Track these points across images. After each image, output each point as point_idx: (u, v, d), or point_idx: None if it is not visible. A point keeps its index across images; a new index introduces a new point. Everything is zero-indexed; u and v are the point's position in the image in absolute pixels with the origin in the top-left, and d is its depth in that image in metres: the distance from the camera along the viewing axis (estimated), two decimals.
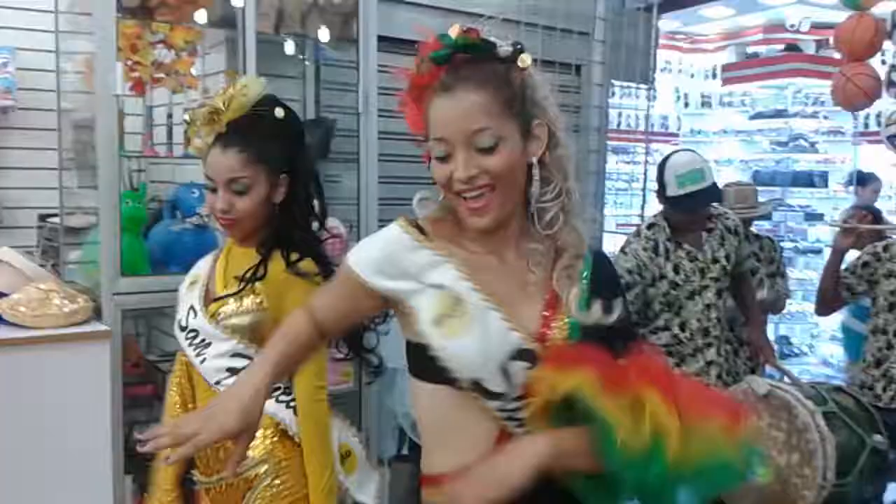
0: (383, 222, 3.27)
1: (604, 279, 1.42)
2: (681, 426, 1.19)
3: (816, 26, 7.37)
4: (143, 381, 2.99)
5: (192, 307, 1.99)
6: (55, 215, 3.09)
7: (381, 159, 3.21)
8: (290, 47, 3.26)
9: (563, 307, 1.35)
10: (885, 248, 3.20)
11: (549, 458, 1.24)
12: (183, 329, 2.01)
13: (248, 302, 1.93)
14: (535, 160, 1.35)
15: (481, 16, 3.98)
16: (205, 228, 2.89)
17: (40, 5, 3.03)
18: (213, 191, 1.93)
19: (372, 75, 3.14)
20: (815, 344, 7.14)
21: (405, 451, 3.69)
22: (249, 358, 1.91)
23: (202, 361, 1.97)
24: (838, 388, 3.25)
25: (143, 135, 2.86)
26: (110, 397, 2.60)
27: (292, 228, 1.98)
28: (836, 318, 6.46)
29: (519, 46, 1.34)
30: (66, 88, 2.97)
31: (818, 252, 7.09)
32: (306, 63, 3.46)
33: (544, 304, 1.36)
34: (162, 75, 2.91)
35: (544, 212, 1.37)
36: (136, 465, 2.69)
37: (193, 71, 2.98)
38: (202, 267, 2.09)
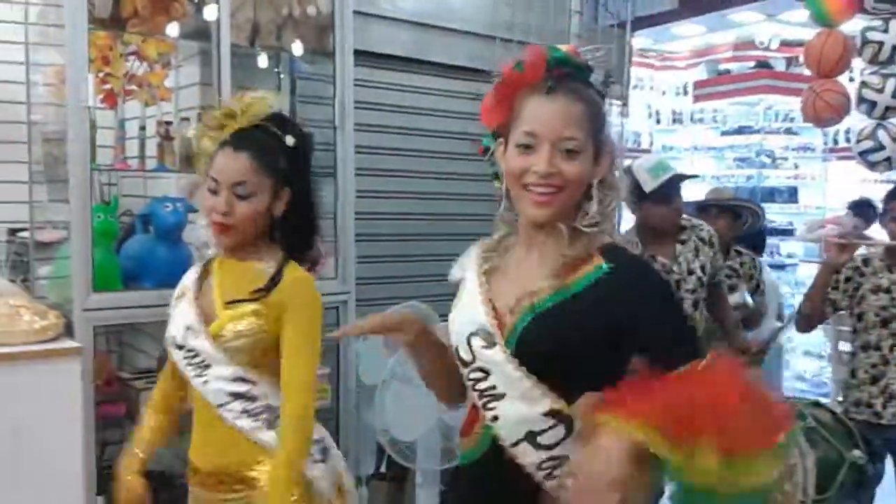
0: (361, 237, 3.28)
1: (611, 290, 1.43)
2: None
3: (786, 44, 7.49)
4: (116, 399, 2.92)
5: (189, 326, 1.94)
6: (25, 229, 3.02)
7: (358, 173, 3.18)
8: (264, 60, 3.22)
9: (536, 294, 1.45)
10: (866, 262, 3.21)
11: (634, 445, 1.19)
12: (180, 347, 1.96)
13: (249, 323, 1.90)
14: (596, 182, 1.48)
15: (456, 31, 4.01)
16: (178, 243, 2.84)
17: (10, 17, 2.97)
18: (215, 192, 1.89)
19: (348, 89, 3.11)
20: (788, 359, 7.20)
21: (384, 469, 3.65)
22: (252, 382, 1.92)
23: (204, 383, 1.93)
24: (816, 404, 3.25)
25: (115, 148, 2.79)
26: (82, 416, 2.53)
27: (298, 241, 2.00)
28: (811, 334, 6.56)
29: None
30: (37, 100, 2.92)
31: (783, 267, 7.15)
32: (281, 76, 3.42)
33: (524, 293, 1.47)
34: (134, 87, 2.87)
35: (588, 217, 1.48)
36: (108, 485, 2.62)
37: (167, 83, 2.94)
38: (189, 280, 2.04)
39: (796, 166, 8.34)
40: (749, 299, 3.81)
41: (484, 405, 1.46)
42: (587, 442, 1.24)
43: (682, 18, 6.17)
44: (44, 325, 2.54)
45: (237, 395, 1.91)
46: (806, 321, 3.41)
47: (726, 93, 7.64)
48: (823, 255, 3.58)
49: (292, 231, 1.99)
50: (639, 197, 3.04)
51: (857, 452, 2.98)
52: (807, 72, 7.20)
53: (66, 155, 2.58)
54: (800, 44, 7.47)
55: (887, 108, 3.99)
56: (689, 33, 6.96)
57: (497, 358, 1.45)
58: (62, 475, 2.51)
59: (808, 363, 6.90)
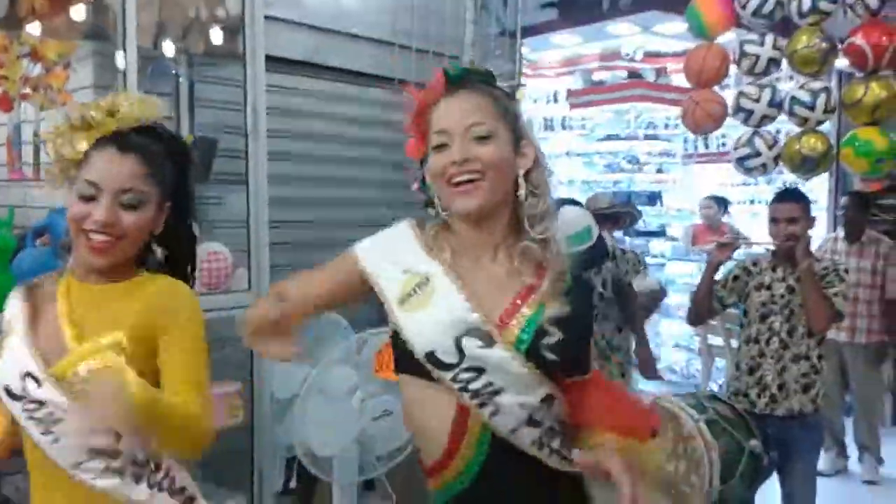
0: (275, 245, 3.18)
1: (580, 286, 1.58)
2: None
3: (650, 55, 7.85)
4: None
5: (28, 373, 1.54)
6: None
7: (270, 181, 3.08)
8: (166, 63, 3.08)
9: (533, 299, 1.48)
10: (755, 263, 3.40)
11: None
12: (16, 398, 1.55)
13: (107, 358, 1.52)
14: (522, 173, 1.52)
15: (358, 36, 3.97)
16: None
17: None
18: (90, 199, 1.55)
19: (260, 94, 3.01)
20: (659, 353, 7.54)
21: (292, 485, 3.56)
22: (115, 433, 1.49)
23: (54, 441, 1.54)
24: (714, 396, 3.41)
25: (9, 155, 2.59)
26: None
27: (178, 266, 1.73)
28: (681, 328, 6.90)
29: (517, 86, 1.52)
30: None
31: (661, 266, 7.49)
32: (180, 80, 3.27)
33: (515, 296, 1.49)
34: (28, 90, 2.66)
35: (536, 219, 1.52)
36: None
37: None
38: (13, 311, 1.64)
39: (659, 171, 8.77)
40: (658, 282, 3.99)
41: (480, 404, 1.44)
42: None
43: (561, 29, 6.36)
44: None
45: (97, 452, 1.53)
46: (694, 316, 3.59)
47: (600, 101, 7.92)
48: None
49: (172, 250, 1.72)
50: None
51: (754, 442, 3.14)
52: (674, 82, 7.67)
53: None
54: (662, 55, 7.88)
55: (763, 117, 4.25)
56: (566, 43, 7.17)
57: (498, 356, 1.43)
58: None
59: (677, 355, 7.25)
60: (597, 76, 8.31)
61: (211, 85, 3.24)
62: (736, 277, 3.41)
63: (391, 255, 1.52)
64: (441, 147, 1.49)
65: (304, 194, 3.63)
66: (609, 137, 8.56)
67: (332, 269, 1.58)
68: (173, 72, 3.23)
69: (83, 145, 1.60)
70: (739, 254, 3.78)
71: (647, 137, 8.55)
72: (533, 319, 1.46)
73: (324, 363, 3.06)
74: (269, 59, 3.21)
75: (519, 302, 1.48)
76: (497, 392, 1.43)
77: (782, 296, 3.26)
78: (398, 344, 1.49)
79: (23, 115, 2.72)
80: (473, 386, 1.43)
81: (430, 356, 1.43)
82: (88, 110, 1.63)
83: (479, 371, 1.43)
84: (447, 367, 1.43)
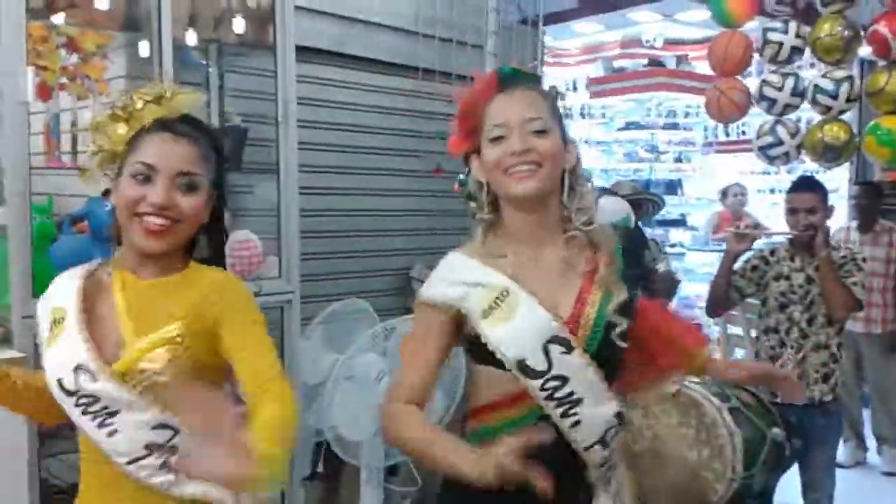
0: (306, 234, 3.23)
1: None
2: None
3: (670, 42, 7.82)
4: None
5: (80, 366, 1.50)
6: None
7: (300, 170, 3.13)
8: (198, 53, 3.12)
9: (597, 288, 1.56)
10: (773, 253, 3.41)
11: None
12: (71, 394, 1.51)
13: (169, 351, 1.51)
14: (568, 168, 1.59)
15: (381, 25, 4.01)
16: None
17: None
18: (144, 182, 1.52)
19: (291, 83, 3.05)
20: None
21: (319, 469, 3.62)
22: (174, 429, 1.50)
23: (110, 435, 1.50)
24: (736, 385, 3.45)
25: (48, 144, 2.65)
26: (26, 430, 2.39)
27: (218, 254, 1.69)
28: (701, 318, 6.90)
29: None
30: None
31: (681, 255, 7.50)
32: (210, 69, 3.32)
33: (577, 291, 1.56)
34: (66, 80, 2.72)
35: (582, 212, 1.59)
36: (53, 499, 2.49)
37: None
38: (67, 299, 1.59)
39: (678, 160, 8.75)
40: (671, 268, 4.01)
41: (563, 413, 1.48)
42: None
43: (582, 16, 6.35)
44: None
45: (155, 447, 1.51)
46: (712, 306, 3.59)
47: (621, 89, 7.91)
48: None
49: (215, 241, 1.68)
50: None
51: (776, 430, 3.16)
52: (698, 70, 7.64)
53: (0, 154, 2.42)
54: (683, 42, 7.86)
55: (786, 106, 4.26)
56: (587, 31, 7.16)
57: (576, 362, 1.49)
58: (7, 491, 2.37)
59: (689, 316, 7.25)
60: (617, 64, 8.28)
61: (241, 75, 3.28)
62: (755, 267, 3.42)
63: (456, 278, 1.56)
64: (499, 139, 1.55)
65: (333, 184, 3.67)
66: (629, 126, 8.54)
67: (424, 332, 1.58)
68: (203, 62, 3.27)
69: (123, 135, 1.58)
70: (758, 244, 3.78)
71: (666, 126, 8.53)
72: (600, 317, 1.53)
73: (352, 350, 3.12)
74: (297, 48, 3.25)
75: (584, 297, 1.55)
76: (578, 402, 1.49)
77: (801, 286, 3.27)
78: (477, 348, 1.52)
79: (61, 105, 2.76)
80: (558, 394, 1.48)
81: (521, 364, 1.48)
82: (131, 99, 1.60)
83: (565, 380, 1.48)
84: (537, 374, 1.48)
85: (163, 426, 1.51)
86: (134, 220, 1.53)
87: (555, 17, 5.73)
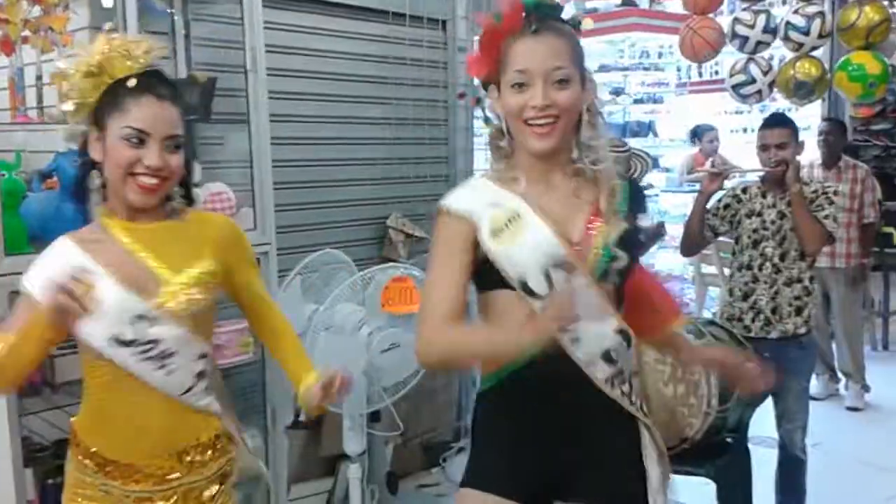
0: (280, 185, 3.21)
1: (634, 204, 1.72)
2: None
3: None
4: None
5: (141, 315, 1.65)
6: None
7: (272, 119, 3.09)
8: (163, 2, 3.04)
9: (602, 218, 1.63)
10: (744, 190, 3.44)
11: None
12: (129, 344, 1.65)
13: (202, 281, 1.72)
14: (585, 106, 1.64)
15: None
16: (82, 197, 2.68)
17: None
18: (139, 144, 1.66)
19: (258, 31, 2.99)
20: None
21: (302, 418, 3.65)
22: (209, 356, 1.79)
23: (168, 373, 1.70)
24: (711, 322, 3.50)
25: (14, 99, 2.59)
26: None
27: (191, 194, 1.86)
28: (676, 258, 6.98)
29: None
30: None
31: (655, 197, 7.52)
32: (175, 18, 3.24)
33: (587, 217, 1.64)
34: (28, 33, 2.65)
35: (592, 150, 1.66)
36: (35, 457, 2.50)
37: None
38: (75, 260, 1.66)
39: (652, 100, 8.72)
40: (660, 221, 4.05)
41: (562, 330, 1.53)
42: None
43: None
44: None
45: (201, 375, 1.76)
46: (687, 246, 3.63)
47: (595, 31, 7.82)
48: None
49: (186, 187, 1.83)
50: None
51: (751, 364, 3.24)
52: (668, 8, 7.59)
53: None
54: None
55: (758, 43, 4.27)
56: None
57: (579, 283, 1.56)
58: None
59: (672, 285, 7.32)
60: (589, 4, 8.20)
61: (208, 23, 3.20)
62: (727, 206, 3.45)
63: (475, 196, 1.64)
64: (521, 86, 1.58)
65: (306, 133, 3.63)
66: (602, 68, 8.48)
67: (448, 248, 1.62)
68: (169, 10, 3.19)
69: (94, 92, 1.68)
70: (742, 181, 3.81)
71: (639, 67, 8.48)
72: (607, 246, 1.61)
73: (330, 300, 3.12)
74: None
75: (590, 224, 1.62)
76: (575, 320, 1.53)
77: (773, 221, 3.31)
78: (487, 272, 1.59)
79: (24, 59, 2.70)
80: None
81: (524, 286, 1.56)
82: (96, 55, 1.68)
83: None
84: (534, 295, 1.56)
85: (204, 356, 1.76)
86: (129, 180, 1.68)
87: None
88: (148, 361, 1.68)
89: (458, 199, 1.65)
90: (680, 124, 8.37)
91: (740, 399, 3.19)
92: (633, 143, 7.87)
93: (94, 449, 1.75)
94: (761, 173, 3.38)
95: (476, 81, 1.74)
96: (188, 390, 1.74)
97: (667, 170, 8.00)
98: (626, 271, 1.64)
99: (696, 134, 7.23)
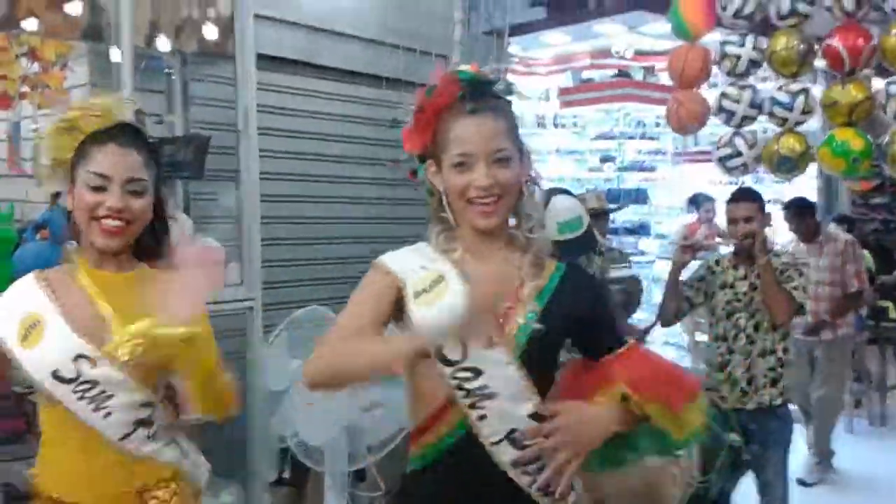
0: (267, 241, 3.26)
1: (574, 286, 1.66)
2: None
3: (640, 53, 7.92)
4: (14, 414, 2.77)
5: (81, 355, 1.69)
6: None
7: (263, 178, 3.16)
8: (159, 61, 3.15)
9: (524, 292, 1.59)
10: (717, 262, 3.49)
11: (617, 427, 1.57)
12: (68, 381, 1.69)
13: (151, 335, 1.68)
14: (524, 180, 1.63)
15: (347, 35, 4.05)
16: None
17: None
18: (99, 189, 1.72)
19: (251, 92, 3.08)
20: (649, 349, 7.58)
21: (286, 476, 3.65)
22: (154, 405, 1.75)
23: (106, 416, 1.71)
24: None
25: (11, 152, 2.67)
26: None
27: (161, 250, 1.88)
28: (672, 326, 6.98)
29: (512, 85, 1.57)
30: None
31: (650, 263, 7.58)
32: (173, 78, 3.35)
33: (512, 293, 1.59)
34: (27, 89, 2.74)
35: (530, 219, 1.64)
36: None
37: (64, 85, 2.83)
38: (35, 303, 1.75)
39: (652, 169, 8.83)
40: (633, 272, 4.05)
41: (471, 405, 1.52)
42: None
43: (550, 28, 6.43)
44: None
45: (142, 423, 1.75)
46: (664, 317, 3.66)
47: (590, 100, 7.99)
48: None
49: (159, 236, 1.87)
50: None
51: (733, 436, 3.24)
52: (663, 80, 7.74)
53: None
54: (652, 53, 7.96)
55: (744, 118, 4.34)
56: (556, 42, 7.24)
57: (498, 358, 1.52)
58: None
59: (667, 352, 7.32)
60: (586, 74, 8.37)
61: (204, 83, 3.30)
62: (701, 278, 3.50)
63: (411, 260, 1.61)
64: (462, 166, 1.57)
65: (296, 191, 3.70)
66: (601, 136, 8.62)
67: (367, 292, 1.61)
68: (166, 70, 3.30)
69: (69, 148, 1.77)
70: (716, 254, 3.85)
71: (639, 136, 8.61)
72: (531, 316, 1.57)
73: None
74: (261, 57, 3.29)
75: (514, 300, 1.58)
76: (489, 396, 1.52)
77: (745, 293, 3.35)
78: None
79: (22, 113, 2.79)
80: (468, 385, 1.52)
81: (438, 351, 1.48)
82: (71, 114, 1.79)
83: (478, 372, 1.52)
84: (448, 363, 1.51)
85: (147, 404, 1.75)
86: (93, 223, 1.74)
87: (522, 29, 5.82)
88: (85, 401, 1.71)
89: (393, 258, 1.63)
90: (676, 192, 8.46)
91: (722, 470, 3.20)
92: (630, 210, 8.08)
93: (55, 495, 1.77)
94: (731, 247, 3.44)
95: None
96: (125, 436, 1.74)
97: (662, 236, 8.06)
98: (550, 346, 1.59)
99: (696, 202, 7.29)
